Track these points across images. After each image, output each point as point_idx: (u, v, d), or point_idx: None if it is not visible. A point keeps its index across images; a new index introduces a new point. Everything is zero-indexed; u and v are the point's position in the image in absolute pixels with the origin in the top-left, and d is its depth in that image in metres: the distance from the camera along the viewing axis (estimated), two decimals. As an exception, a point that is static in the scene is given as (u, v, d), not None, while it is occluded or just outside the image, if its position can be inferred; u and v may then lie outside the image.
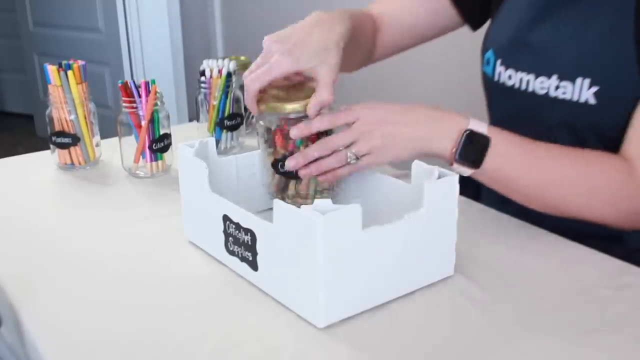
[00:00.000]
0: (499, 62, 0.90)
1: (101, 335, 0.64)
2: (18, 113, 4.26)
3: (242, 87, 1.22)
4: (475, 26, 1.02)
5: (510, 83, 0.88)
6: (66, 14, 3.17)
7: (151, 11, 2.99)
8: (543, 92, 0.83)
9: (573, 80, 0.80)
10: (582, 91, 0.79)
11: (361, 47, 0.96)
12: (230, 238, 0.72)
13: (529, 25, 0.86)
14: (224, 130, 1.15)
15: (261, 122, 0.80)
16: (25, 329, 0.66)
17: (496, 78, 0.91)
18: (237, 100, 1.16)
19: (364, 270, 0.64)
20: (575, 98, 0.80)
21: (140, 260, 0.78)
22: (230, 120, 1.14)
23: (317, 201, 0.61)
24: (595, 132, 0.80)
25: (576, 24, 0.81)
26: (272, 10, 2.60)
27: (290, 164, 0.76)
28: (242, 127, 1.18)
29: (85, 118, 1.07)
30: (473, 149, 0.75)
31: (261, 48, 0.81)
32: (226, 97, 1.14)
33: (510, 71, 0.88)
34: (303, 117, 0.77)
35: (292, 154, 0.77)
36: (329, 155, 0.76)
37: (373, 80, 2.34)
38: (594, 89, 0.78)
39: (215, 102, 1.14)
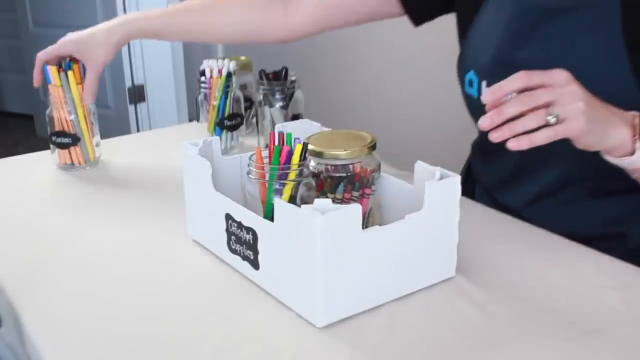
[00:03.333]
0: (484, 83, 0.87)
1: (101, 335, 0.64)
2: (18, 113, 4.25)
3: (242, 87, 1.23)
4: (417, 21, 0.98)
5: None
6: (66, 14, 3.16)
7: (151, 11, 2.98)
8: None
9: None
10: None
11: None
12: (233, 237, 0.72)
13: (511, 44, 0.84)
14: (224, 130, 1.14)
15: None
16: (25, 329, 0.66)
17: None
18: (237, 100, 1.16)
19: (363, 271, 0.64)
20: None
21: (140, 260, 0.78)
22: (230, 120, 1.14)
23: (317, 200, 0.61)
24: None
25: (563, 40, 0.79)
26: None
27: (484, 124, 0.67)
28: (242, 127, 1.18)
29: (85, 118, 1.06)
30: None
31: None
32: (226, 97, 1.14)
33: None
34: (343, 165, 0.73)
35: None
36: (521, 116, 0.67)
37: (365, 85, 2.34)
38: None
39: (215, 102, 1.14)
